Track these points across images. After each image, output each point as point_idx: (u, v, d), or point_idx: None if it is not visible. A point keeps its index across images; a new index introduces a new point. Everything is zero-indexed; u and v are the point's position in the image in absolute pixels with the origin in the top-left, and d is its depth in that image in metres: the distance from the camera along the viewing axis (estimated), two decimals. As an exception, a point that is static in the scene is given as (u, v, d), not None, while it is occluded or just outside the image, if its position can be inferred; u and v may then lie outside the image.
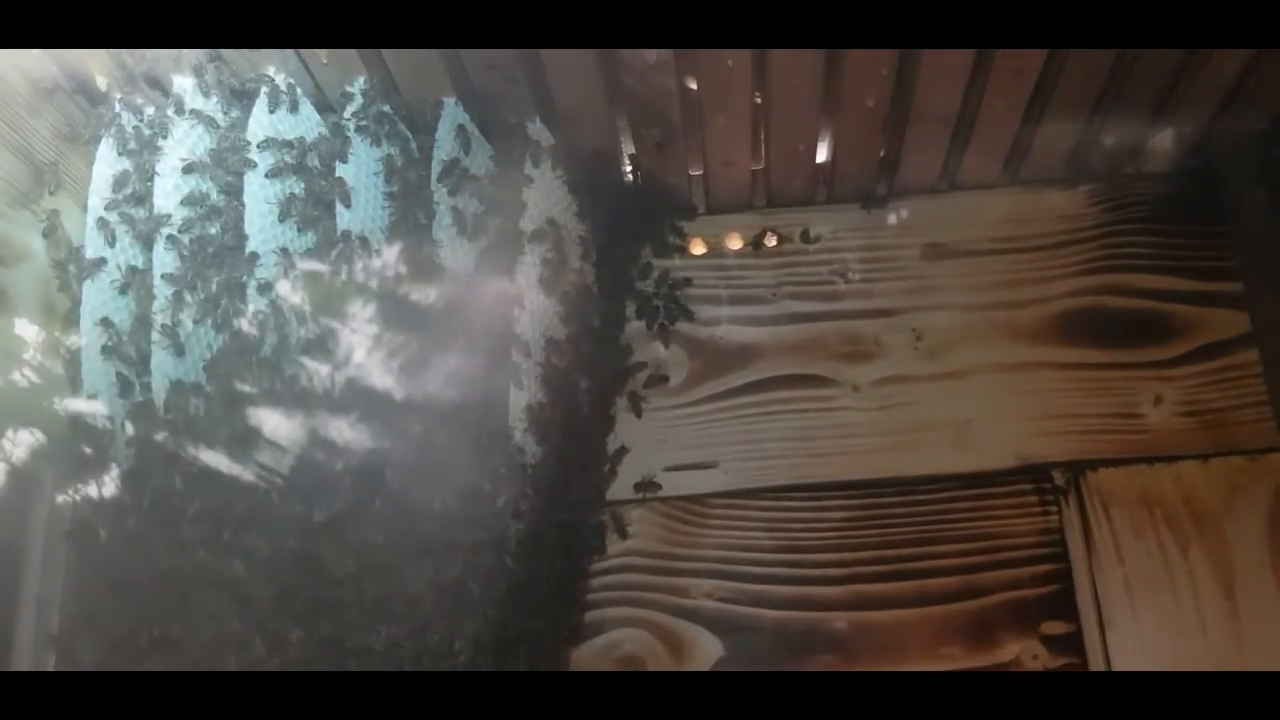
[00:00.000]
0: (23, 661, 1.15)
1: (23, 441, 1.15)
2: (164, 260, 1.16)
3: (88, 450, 1.13)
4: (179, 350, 1.13)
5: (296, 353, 1.11)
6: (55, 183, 1.22)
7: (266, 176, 1.17)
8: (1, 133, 1.16)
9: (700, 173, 1.36)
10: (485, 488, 1.09)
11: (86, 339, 1.16)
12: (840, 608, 1.25)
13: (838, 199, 1.40)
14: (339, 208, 1.17)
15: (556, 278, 1.19)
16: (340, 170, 1.18)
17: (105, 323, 1.16)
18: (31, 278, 1.20)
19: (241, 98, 1.22)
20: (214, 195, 1.19)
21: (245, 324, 1.12)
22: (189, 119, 1.19)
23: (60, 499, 1.17)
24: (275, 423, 1.08)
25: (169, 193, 1.18)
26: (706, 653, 1.25)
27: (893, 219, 1.40)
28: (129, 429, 1.12)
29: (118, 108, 1.21)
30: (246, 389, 1.10)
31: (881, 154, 1.34)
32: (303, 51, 1.18)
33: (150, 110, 1.20)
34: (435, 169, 1.19)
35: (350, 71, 1.20)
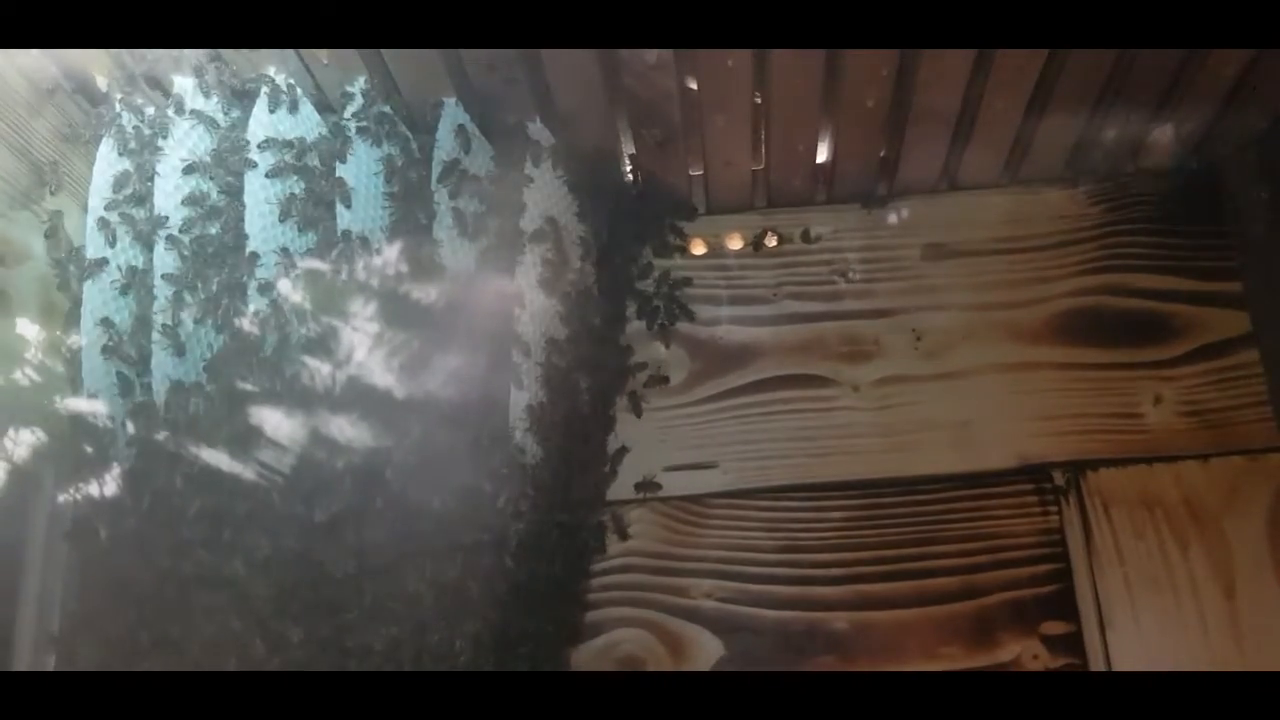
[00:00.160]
0: (23, 661, 1.15)
1: (23, 441, 1.15)
2: (164, 260, 1.16)
3: (88, 450, 1.13)
4: (179, 350, 1.13)
5: (297, 353, 1.11)
6: (56, 183, 1.22)
7: (267, 176, 1.17)
8: (2, 133, 1.16)
9: (700, 173, 1.36)
10: (486, 488, 1.09)
11: (87, 339, 1.16)
12: (840, 608, 1.25)
13: (838, 199, 1.40)
14: (339, 208, 1.17)
15: (557, 278, 1.19)
16: (340, 170, 1.18)
17: (106, 323, 1.16)
18: (32, 278, 1.20)
19: (242, 98, 1.22)
20: (214, 195, 1.19)
21: (246, 324, 1.12)
22: (189, 119, 1.19)
23: (61, 499, 1.17)
24: (275, 423, 1.08)
25: (169, 193, 1.18)
26: (706, 653, 1.25)
27: (893, 219, 1.40)
28: (129, 429, 1.12)
29: (118, 108, 1.20)
30: (247, 389, 1.10)
31: (882, 154, 1.34)
32: (303, 52, 1.18)
33: (150, 110, 1.20)
34: (435, 169, 1.19)
35: (350, 71, 1.20)
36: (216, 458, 1.09)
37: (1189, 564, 1.24)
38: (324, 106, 1.24)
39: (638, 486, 1.30)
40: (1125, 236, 1.37)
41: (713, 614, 1.26)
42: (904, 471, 1.29)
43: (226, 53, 1.20)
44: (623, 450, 1.31)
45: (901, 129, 1.27)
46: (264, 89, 1.19)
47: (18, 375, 1.16)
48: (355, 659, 1.05)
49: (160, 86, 1.22)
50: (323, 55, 1.18)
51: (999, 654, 1.23)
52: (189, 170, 1.18)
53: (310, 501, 1.07)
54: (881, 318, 1.36)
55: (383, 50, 1.16)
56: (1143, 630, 1.23)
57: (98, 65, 1.21)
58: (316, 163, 1.19)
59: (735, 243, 1.40)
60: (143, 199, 1.19)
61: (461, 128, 1.20)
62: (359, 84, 1.20)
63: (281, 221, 1.17)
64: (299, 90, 1.21)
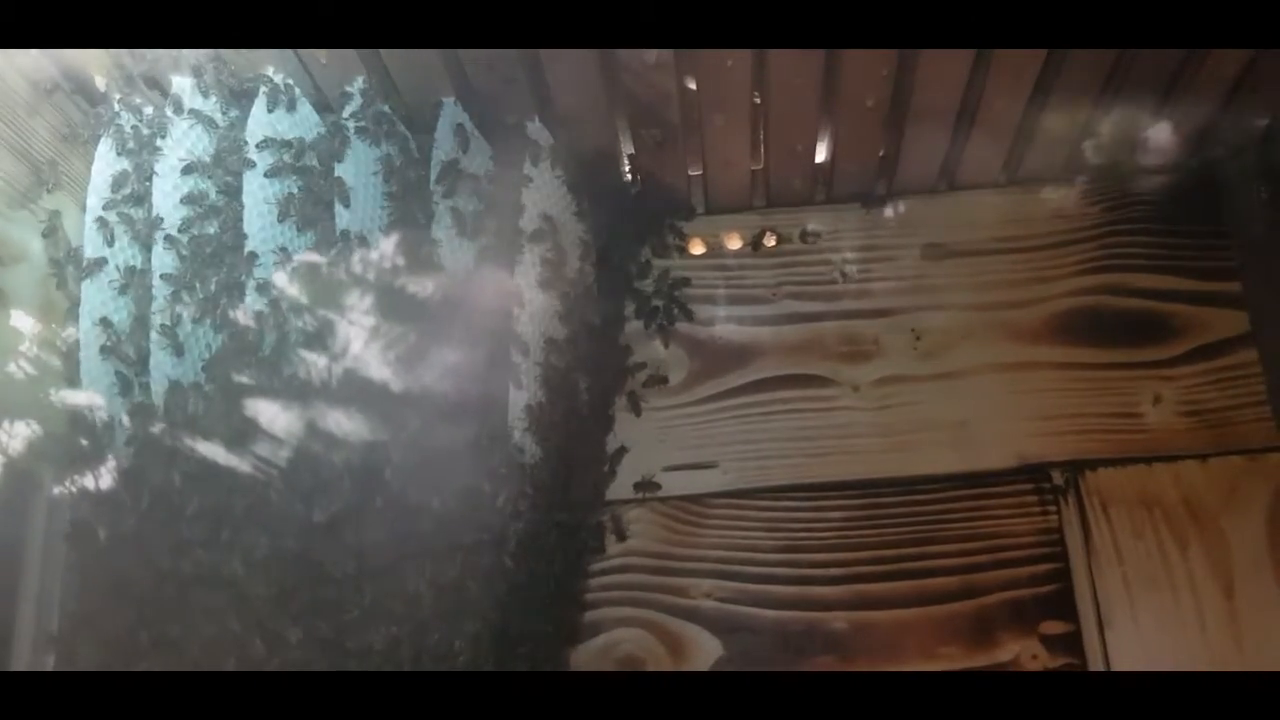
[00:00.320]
0: (22, 661, 1.15)
1: (22, 440, 1.15)
2: (163, 260, 1.16)
3: (87, 450, 1.13)
4: (178, 350, 1.13)
5: (295, 352, 1.11)
6: (54, 182, 1.22)
7: (265, 176, 1.17)
8: (1, 132, 1.15)
9: (700, 173, 1.36)
10: (485, 488, 1.09)
11: (85, 338, 1.16)
12: (840, 608, 1.25)
13: (837, 199, 1.40)
14: (338, 207, 1.17)
15: (556, 277, 1.19)
16: (339, 170, 1.18)
17: (104, 322, 1.16)
18: (30, 277, 1.20)
19: (240, 97, 1.22)
20: (213, 195, 1.19)
21: (244, 324, 1.12)
22: (188, 119, 1.19)
23: (59, 498, 1.17)
24: (274, 422, 1.08)
25: (168, 192, 1.18)
26: (706, 653, 1.25)
27: (892, 219, 1.40)
28: (128, 428, 1.12)
29: (117, 107, 1.20)
30: (245, 389, 1.10)
31: (881, 154, 1.34)
32: (302, 51, 1.18)
33: (149, 110, 1.20)
34: (434, 169, 1.19)
35: (349, 71, 1.20)
36: (215, 457, 1.08)
37: (1188, 564, 1.25)
38: (322, 106, 1.24)
39: (637, 486, 1.30)
40: (1124, 236, 1.37)
41: (712, 614, 1.26)
42: (903, 471, 1.30)
43: (225, 53, 1.19)
44: (622, 450, 1.31)
45: (901, 129, 1.27)
46: (262, 89, 1.19)
47: (16, 374, 1.16)
48: (355, 659, 1.05)
49: (159, 86, 1.22)
50: (321, 55, 1.18)
51: (998, 654, 1.23)
52: (187, 170, 1.18)
53: (309, 501, 1.07)
54: (881, 317, 1.36)
55: (381, 50, 1.16)
56: (1141, 630, 1.23)
57: (96, 65, 1.21)
58: (315, 162, 1.19)
59: (734, 242, 1.40)
60: (141, 199, 1.19)
61: (460, 127, 1.20)
62: (357, 84, 1.20)
63: (280, 221, 1.16)
64: (297, 90, 1.20)
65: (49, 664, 1.15)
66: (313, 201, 1.17)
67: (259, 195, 1.16)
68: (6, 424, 1.13)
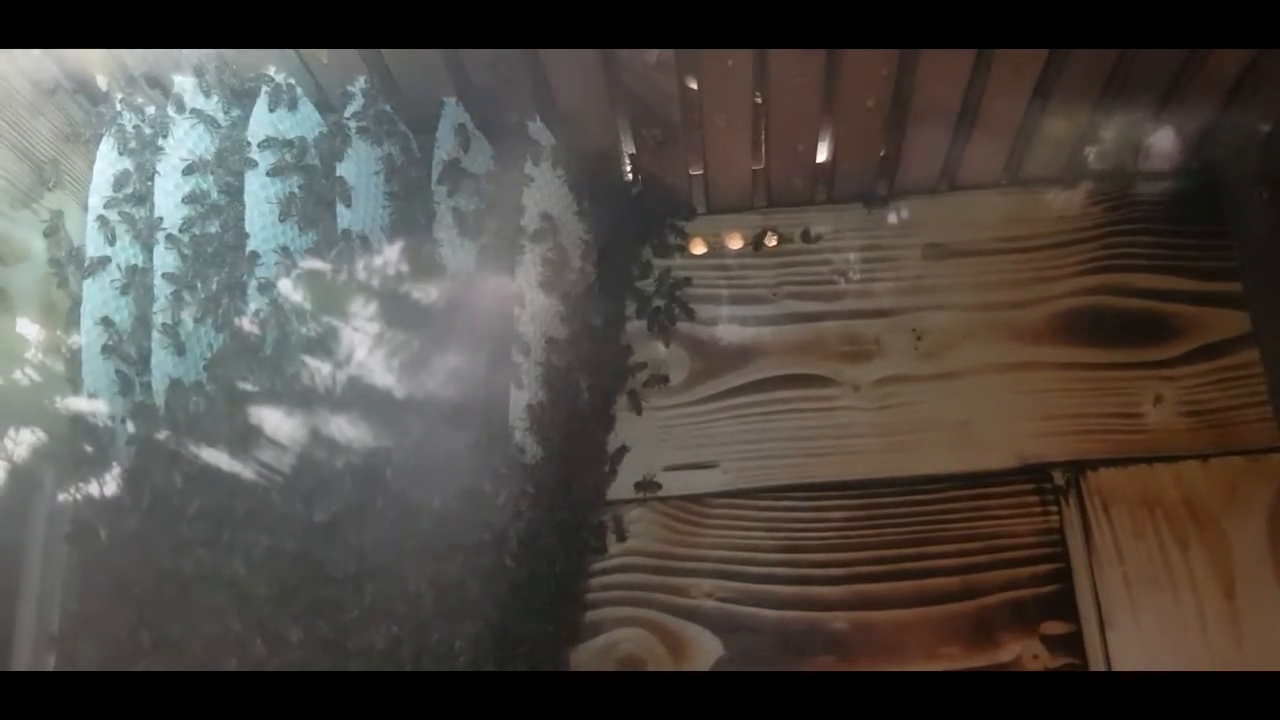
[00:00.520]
0: (23, 661, 1.15)
1: (23, 441, 1.15)
2: (164, 259, 1.16)
3: (88, 449, 1.13)
4: (179, 349, 1.13)
5: (297, 352, 1.11)
6: (56, 182, 1.22)
7: (267, 175, 1.17)
8: (2, 132, 1.16)
9: (700, 172, 1.36)
10: (485, 487, 1.09)
11: (87, 338, 1.16)
12: (840, 608, 1.25)
13: (838, 199, 1.40)
14: (339, 207, 1.17)
15: (557, 277, 1.19)
16: (341, 169, 1.18)
17: (106, 322, 1.16)
18: (32, 277, 1.20)
19: (242, 97, 1.22)
20: (214, 194, 1.19)
21: (246, 323, 1.12)
22: (190, 118, 1.19)
23: (60, 498, 1.17)
24: (275, 422, 1.08)
25: (170, 192, 1.18)
26: (706, 653, 1.25)
27: (893, 219, 1.40)
28: (129, 428, 1.12)
29: (118, 107, 1.20)
30: (247, 388, 1.10)
31: (882, 154, 1.34)
32: (303, 51, 1.18)
33: (151, 109, 1.20)
34: (436, 169, 1.19)
35: (351, 71, 1.20)
36: (216, 457, 1.08)
37: (1189, 564, 1.24)
38: (324, 106, 1.24)
39: (638, 486, 1.30)
40: (1126, 236, 1.37)
41: (713, 614, 1.26)
42: (904, 471, 1.30)
43: (227, 52, 1.20)
44: (623, 450, 1.31)
45: (902, 129, 1.27)
46: (264, 88, 1.19)
47: (17, 374, 1.16)
48: (356, 659, 1.05)
49: (160, 86, 1.22)
50: (323, 55, 1.18)
51: (999, 654, 1.23)
52: (189, 169, 1.18)
53: (310, 501, 1.07)
54: (882, 317, 1.36)
55: (383, 50, 1.16)
56: (1142, 630, 1.23)
57: (98, 65, 1.21)
58: (317, 162, 1.19)
59: (735, 242, 1.40)
60: (143, 198, 1.19)
61: (462, 127, 1.20)
62: (359, 83, 1.20)
63: (282, 221, 1.16)
64: (299, 89, 1.21)
65: (50, 664, 1.15)
66: (314, 201, 1.17)
67: (260, 195, 1.16)
68: (8, 424, 1.13)
